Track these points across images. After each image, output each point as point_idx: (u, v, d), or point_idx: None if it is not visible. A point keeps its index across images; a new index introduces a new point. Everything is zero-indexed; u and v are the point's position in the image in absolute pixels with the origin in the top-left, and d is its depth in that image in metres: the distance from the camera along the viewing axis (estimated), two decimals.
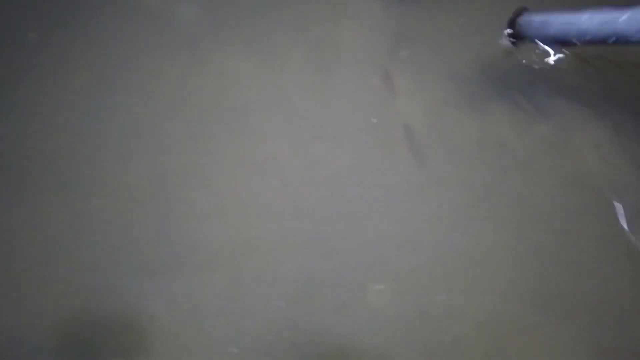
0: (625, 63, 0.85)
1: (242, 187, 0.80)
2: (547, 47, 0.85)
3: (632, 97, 0.85)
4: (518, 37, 0.86)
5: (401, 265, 0.76)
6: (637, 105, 0.85)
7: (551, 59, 0.85)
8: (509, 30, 0.86)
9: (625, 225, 0.77)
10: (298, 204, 0.80)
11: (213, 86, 0.86)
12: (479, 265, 0.76)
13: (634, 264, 0.76)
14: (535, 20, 0.84)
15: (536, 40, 0.85)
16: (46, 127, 0.83)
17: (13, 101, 0.84)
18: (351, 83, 0.87)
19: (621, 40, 0.78)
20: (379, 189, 0.81)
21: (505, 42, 0.87)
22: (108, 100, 0.84)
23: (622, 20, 0.77)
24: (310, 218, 0.79)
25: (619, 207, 0.78)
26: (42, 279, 0.75)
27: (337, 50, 0.89)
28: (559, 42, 0.84)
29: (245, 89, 0.86)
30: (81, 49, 0.88)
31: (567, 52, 0.85)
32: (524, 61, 0.86)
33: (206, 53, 0.87)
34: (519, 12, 0.85)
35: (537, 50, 0.86)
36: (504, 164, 0.81)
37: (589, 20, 0.80)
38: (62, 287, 0.75)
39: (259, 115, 0.84)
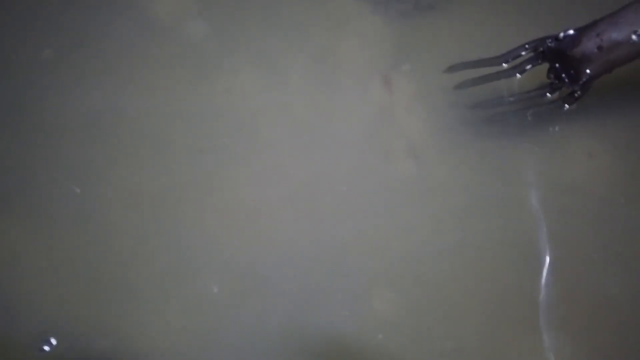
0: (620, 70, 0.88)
1: (249, 196, 0.83)
2: None
3: (626, 105, 0.87)
4: None
5: (405, 272, 0.79)
6: (632, 112, 0.86)
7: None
8: None
9: None
10: (304, 212, 0.82)
11: (222, 100, 0.88)
12: (480, 270, 0.79)
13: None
14: None
15: None
16: (59, 141, 0.86)
17: (26, 117, 0.87)
18: (353, 95, 0.89)
19: None
20: (382, 196, 0.83)
21: None
22: (119, 115, 0.87)
23: None
24: (316, 225, 0.81)
25: None
26: (59, 293, 0.78)
27: (339, 64, 0.91)
28: None
29: (252, 103, 0.88)
30: (94, 65, 0.90)
31: None
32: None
33: (215, 68, 0.90)
34: None
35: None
36: (503, 172, 0.84)
37: None
38: (80, 300, 0.78)
39: (265, 127, 0.87)
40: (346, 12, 0.94)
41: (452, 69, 0.83)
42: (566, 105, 0.83)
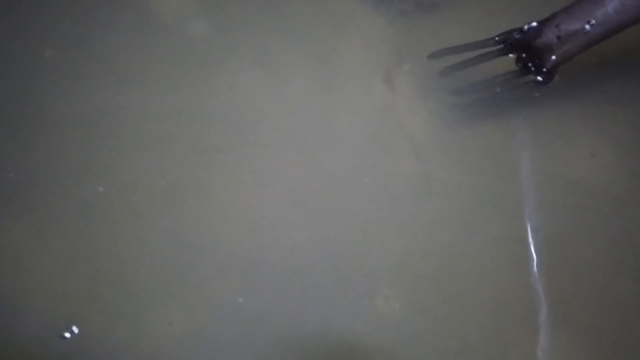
0: (620, 66, 0.88)
1: (251, 195, 0.84)
2: None
3: (629, 105, 0.88)
4: None
5: (408, 271, 0.79)
6: (635, 112, 0.87)
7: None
8: None
9: None
10: (306, 212, 0.83)
11: (224, 99, 0.89)
12: (483, 269, 0.79)
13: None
14: None
15: None
16: (61, 140, 0.87)
17: (28, 116, 0.88)
18: (355, 93, 0.90)
19: None
20: (384, 196, 0.84)
21: None
22: (122, 113, 0.88)
23: None
24: (318, 226, 0.82)
25: None
26: (60, 291, 0.79)
27: (341, 63, 0.92)
28: None
29: (255, 101, 0.89)
30: (95, 64, 0.91)
31: None
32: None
33: (217, 67, 0.91)
34: None
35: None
36: (505, 172, 0.84)
37: None
38: (81, 300, 0.79)
39: (268, 126, 0.88)
40: (348, 11, 0.95)
41: (433, 55, 0.89)
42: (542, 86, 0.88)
